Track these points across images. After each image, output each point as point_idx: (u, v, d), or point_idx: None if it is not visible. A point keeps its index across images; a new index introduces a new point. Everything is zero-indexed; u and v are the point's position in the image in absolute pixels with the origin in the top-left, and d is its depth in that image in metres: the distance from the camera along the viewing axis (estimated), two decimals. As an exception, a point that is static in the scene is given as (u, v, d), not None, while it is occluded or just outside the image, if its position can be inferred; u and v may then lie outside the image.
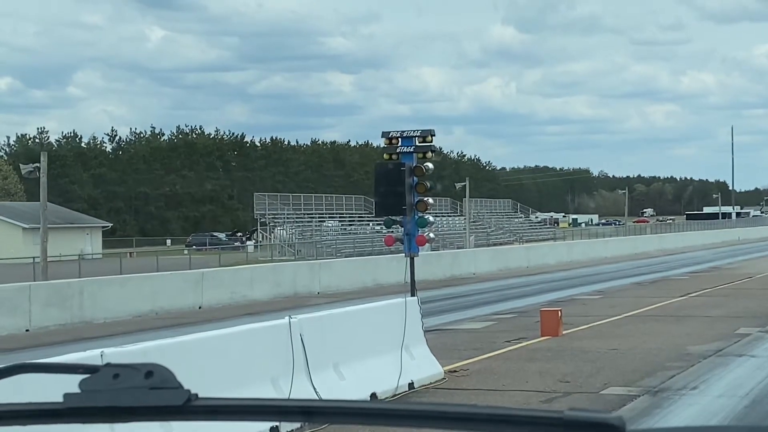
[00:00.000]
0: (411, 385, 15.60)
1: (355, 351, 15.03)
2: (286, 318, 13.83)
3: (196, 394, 1.55)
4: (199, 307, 32.41)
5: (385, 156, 17.53)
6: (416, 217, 17.31)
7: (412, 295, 17.47)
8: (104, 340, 23.66)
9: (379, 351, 15.58)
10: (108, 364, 1.61)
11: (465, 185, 79.84)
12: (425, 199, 17.29)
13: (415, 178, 17.17)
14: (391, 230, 19.51)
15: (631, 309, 28.03)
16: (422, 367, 16.34)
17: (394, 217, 17.51)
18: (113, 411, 1.54)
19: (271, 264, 41.97)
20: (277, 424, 11.51)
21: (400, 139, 17.42)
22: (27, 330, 26.83)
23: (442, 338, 22.53)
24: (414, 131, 17.35)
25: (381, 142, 17.95)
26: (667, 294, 33.05)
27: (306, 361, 13.68)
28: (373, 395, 14.46)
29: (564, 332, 22.21)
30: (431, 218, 17.98)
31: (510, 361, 18.56)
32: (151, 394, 1.54)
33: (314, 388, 13.57)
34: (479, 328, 24.67)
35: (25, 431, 1.69)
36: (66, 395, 1.57)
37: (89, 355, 10.65)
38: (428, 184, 17.17)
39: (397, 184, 16.73)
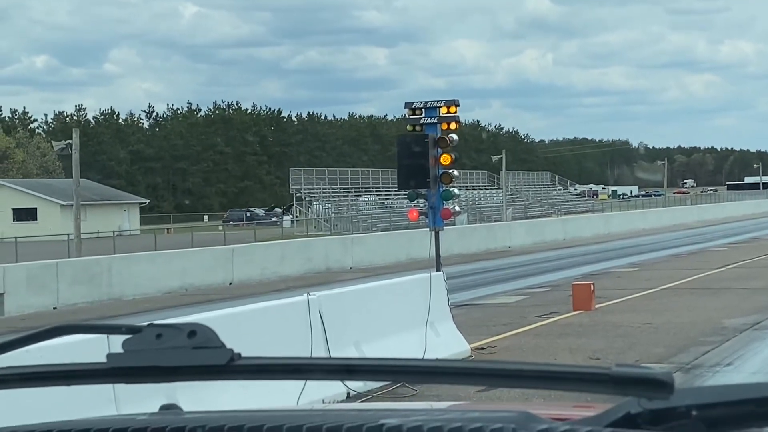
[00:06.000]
0: (436, 362, 15.15)
1: (377, 328, 14.62)
2: (305, 295, 13.45)
3: (239, 354, 1.56)
4: (230, 284, 32.14)
5: (409, 127, 17.05)
6: (441, 189, 16.83)
7: (438, 270, 17.00)
8: (132, 317, 23.46)
9: (402, 328, 15.17)
10: (151, 324, 1.62)
11: (501, 158, 79.11)
12: (450, 171, 16.79)
13: (439, 150, 16.68)
14: (415, 204, 19.01)
15: (666, 282, 27.45)
16: (448, 344, 15.91)
17: (417, 191, 17.06)
18: (156, 371, 1.56)
19: (303, 239, 41.57)
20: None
21: (423, 110, 16.93)
22: (54, 308, 26.65)
23: (472, 313, 22.10)
24: (438, 101, 16.85)
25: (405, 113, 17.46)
26: (704, 266, 32.41)
27: (325, 339, 13.29)
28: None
29: (597, 306, 21.70)
30: (456, 191, 17.49)
31: (540, 337, 18.10)
32: (194, 354, 1.55)
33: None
34: (511, 303, 24.20)
35: (70, 391, 1.87)
36: (109, 355, 1.58)
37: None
38: (453, 156, 16.68)
39: (420, 157, 16.25)
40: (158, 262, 30.47)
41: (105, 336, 6.97)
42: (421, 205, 18.13)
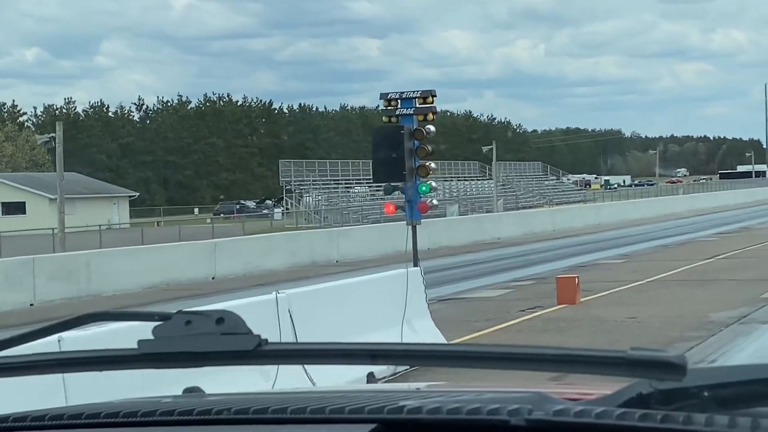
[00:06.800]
0: (412, 361, 14.69)
1: (351, 327, 14.12)
2: (273, 293, 12.98)
3: (266, 339, 1.60)
4: (213, 278, 31.68)
5: (384, 119, 16.56)
6: (417, 182, 16.35)
7: (415, 265, 16.54)
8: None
9: (377, 326, 14.69)
10: (180, 311, 1.67)
11: (492, 148, 78.66)
12: (427, 163, 16.31)
13: (415, 142, 16.19)
14: (392, 197, 18.51)
15: (654, 273, 27.02)
16: (425, 342, 15.45)
17: (393, 184, 16.59)
18: (186, 356, 1.60)
19: (288, 233, 41.12)
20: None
21: (399, 101, 16.43)
22: (31, 305, 26.16)
23: (455, 308, 21.69)
24: (413, 92, 16.34)
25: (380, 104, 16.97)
26: (693, 257, 31.99)
27: (295, 339, 12.83)
28: (370, 375, 13.57)
29: (582, 300, 21.27)
30: (434, 183, 17.03)
31: (521, 333, 17.66)
32: (222, 340, 1.59)
33: (304, 369, 12.71)
34: (495, 297, 23.76)
35: (102, 376, 2.06)
36: (140, 342, 1.63)
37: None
38: (429, 148, 16.18)
39: (395, 149, 15.76)
40: (139, 257, 29.99)
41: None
42: (398, 198, 17.62)
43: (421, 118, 16.27)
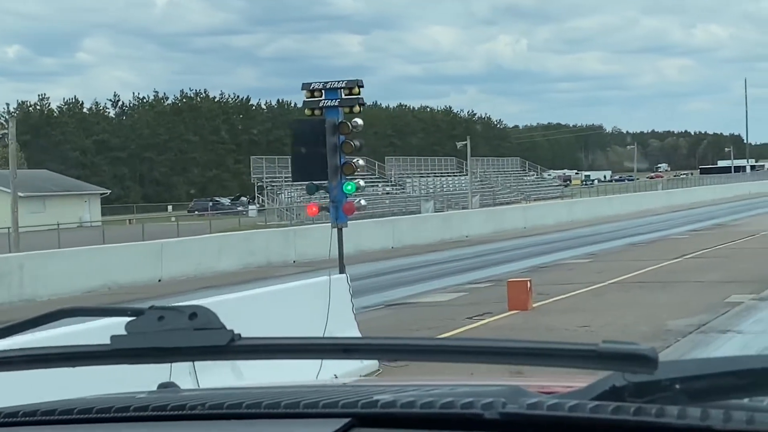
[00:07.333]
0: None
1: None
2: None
3: (239, 334, 1.59)
4: (159, 280, 30.25)
5: (307, 111, 15.13)
6: (343, 181, 14.94)
7: (341, 271, 15.16)
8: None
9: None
10: (152, 307, 1.65)
11: (466, 143, 77.31)
12: (354, 160, 14.89)
13: (341, 137, 14.77)
14: (315, 197, 16.99)
15: (618, 274, 25.72)
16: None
17: (317, 183, 15.18)
18: (159, 352, 1.59)
19: (244, 232, 39.62)
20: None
21: (323, 92, 15.01)
22: (-41, 311, 24.71)
23: (399, 315, 20.38)
24: (338, 82, 14.91)
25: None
26: (661, 256, 30.66)
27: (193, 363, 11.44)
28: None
29: (535, 305, 19.94)
30: (362, 182, 15.60)
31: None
32: (195, 335, 1.58)
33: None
34: (445, 301, 22.39)
35: (75, 372, 1.95)
36: (113, 337, 1.62)
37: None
38: (356, 143, 14.76)
39: (316, 144, 14.34)
40: (79, 259, 28.51)
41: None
42: (324, 198, 16.12)
43: (347, 110, 14.87)
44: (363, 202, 16.24)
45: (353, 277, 30.69)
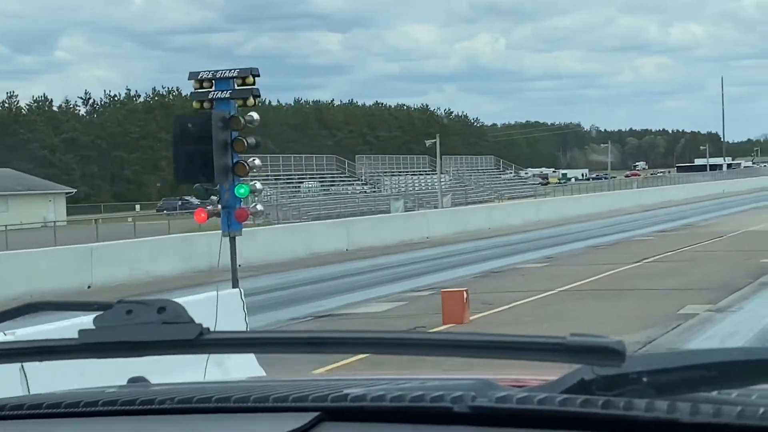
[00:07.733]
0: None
1: (136, 370, 11.04)
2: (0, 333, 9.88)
3: (208, 328, 1.57)
4: (89, 287, 28.46)
5: (195, 104, 13.44)
6: (235, 184, 13.23)
7: (234, 285, 13.45)
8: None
9: (172, 367, 11.59)
10: (120, 301, 1.64)
11: (435, 141, 75.67)
12: (248, 160, 13.19)
13: (233, 133, 13.05)
14: (203, 203, 15.24)
15: (572, 280, 24.10)
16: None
17: (205, 185, 13.47)
18: (127, 346, 1.58)
19: (184, 234, 37.77)
20: None
21: (213, 82, 13.31)
22: None
23: (325, 329, 18.62)
24: (230, 71, 13.20)
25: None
26: (621, 259, 29.04)
27: (27, 388, 9.75)
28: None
29: (473, 317, 18.30)
30: (258, 185, 13.90)
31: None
32: (163, 329, 1.57)
33: None
34: (380, 312, 20.71)
35: (42, 367, 1.98)
36: (81, 331, 1.60)
37: None
38: (250, 141, 13.05)
39: (202, 141, 12.63)
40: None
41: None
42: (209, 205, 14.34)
43: (240, 103, 13.18)
44: (259, 207, 14.53)
45: (294, 282, 29.18)
